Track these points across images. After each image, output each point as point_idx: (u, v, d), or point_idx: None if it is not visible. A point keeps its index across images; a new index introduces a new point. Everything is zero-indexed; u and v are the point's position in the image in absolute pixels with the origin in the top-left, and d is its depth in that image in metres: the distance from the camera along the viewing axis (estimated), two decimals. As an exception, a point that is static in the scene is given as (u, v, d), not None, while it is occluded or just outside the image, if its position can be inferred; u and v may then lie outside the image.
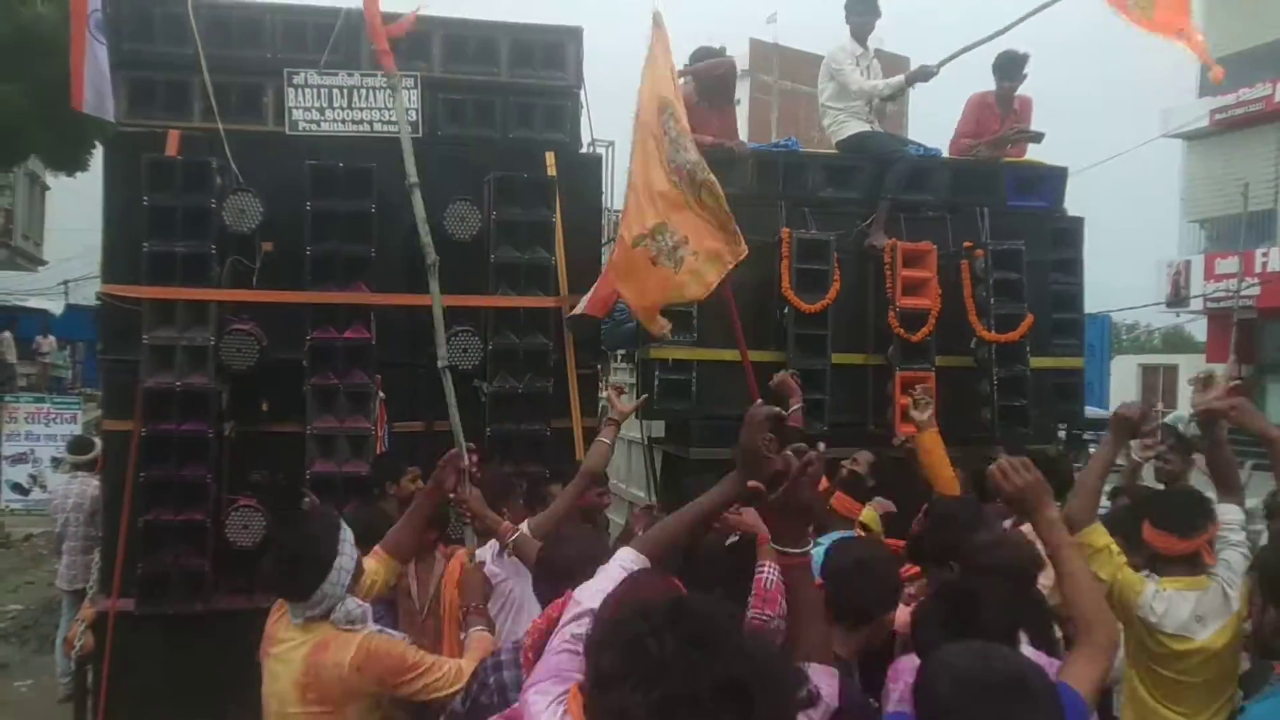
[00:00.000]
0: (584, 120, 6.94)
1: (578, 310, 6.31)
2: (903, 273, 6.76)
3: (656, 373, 6.62)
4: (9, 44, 13.31)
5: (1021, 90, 7.55)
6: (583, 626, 2.13)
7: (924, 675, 2.08)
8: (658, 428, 7.79)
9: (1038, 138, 7.41)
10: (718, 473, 5.18)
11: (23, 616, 9.80)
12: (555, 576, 3.00)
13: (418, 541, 4.07)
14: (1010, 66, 7.42)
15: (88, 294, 25.13)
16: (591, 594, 2.24)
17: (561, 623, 2.22)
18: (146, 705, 5.79)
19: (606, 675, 1.58)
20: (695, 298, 5.52)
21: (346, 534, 3.32)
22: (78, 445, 8.61)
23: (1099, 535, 3.65)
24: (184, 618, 5.83)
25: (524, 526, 4.19)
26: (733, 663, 1.53)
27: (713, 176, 5.17)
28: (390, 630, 3.45)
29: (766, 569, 3.12)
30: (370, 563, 3.67)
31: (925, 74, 7.06)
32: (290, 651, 3.22)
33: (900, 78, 7.25)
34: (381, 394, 6.16)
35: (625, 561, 2.35)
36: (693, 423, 6.74)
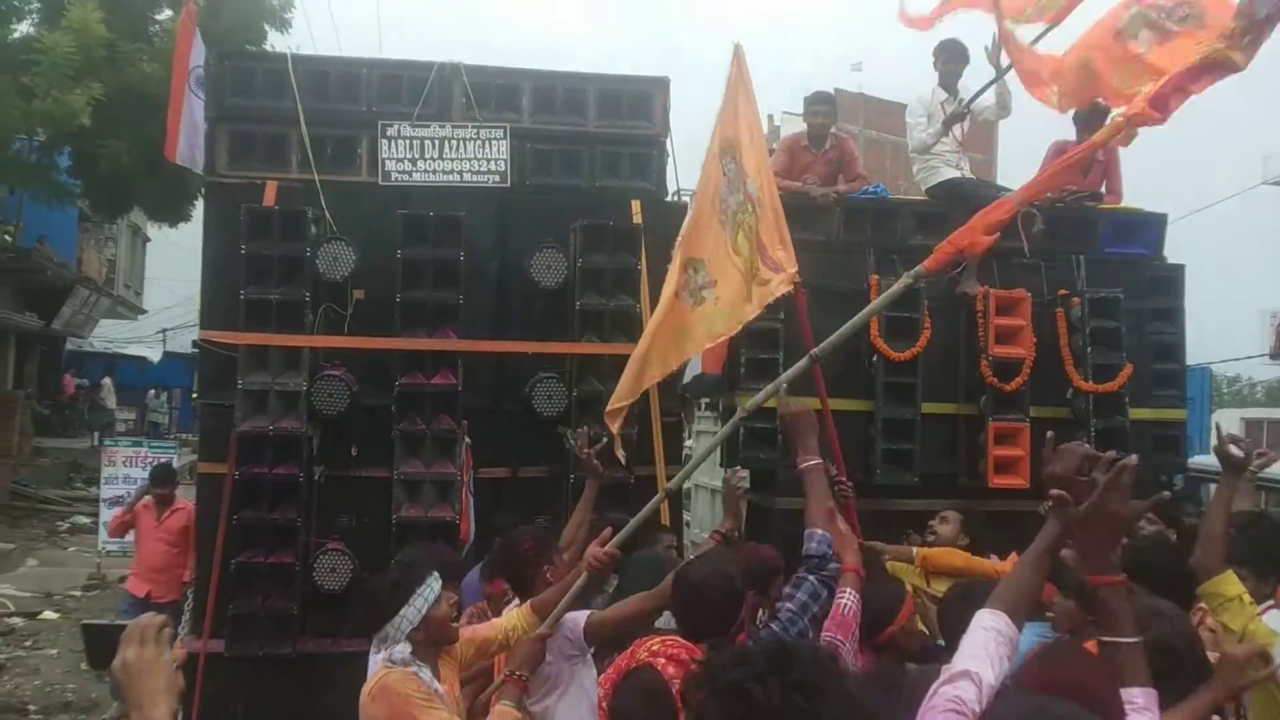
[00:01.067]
0: (669, 169, 6.99)
1: (695, 372, 6.30)
2: (996, 321, 6.62)
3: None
4: (117, 102, 13.89)
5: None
6: (959, 689, 2.06)
7: None
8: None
9: (1096, 198, 7.23)
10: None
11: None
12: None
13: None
14: (1092, 118, 7.29)
15: (184, 342, 26.01)
16: (968, 657, 2.15)
17: (935, 688, 2.11)
18: (234, 747, 5.84)
19: None
20: (689, 352, 5.14)
21: (425, 589, 3.43)
22: (161, 475, 8.79)
23: (1230, 585, 3.44)
24: (271, 659, 5.88)
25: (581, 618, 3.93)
26: (842, 710, 1.47)
27: (754, 222, 4.85)
28: (422, 674, 3.41)
29: (846, 595, 3.19)
30: (514, 617, 3.85)
31: (957, 114, 6.98)
32: None
33: (940, 124, 7.12)
34: (468, 439, 6.20)
35: (986, 621, 2.25)
36: (779, 472, 6.64)
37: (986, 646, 2.17)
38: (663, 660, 2.63)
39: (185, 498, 8.26)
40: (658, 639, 2.94)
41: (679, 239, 4.87)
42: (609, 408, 4.96)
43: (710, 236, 4.80)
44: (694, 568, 3.56)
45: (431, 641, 3.49)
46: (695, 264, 4.85)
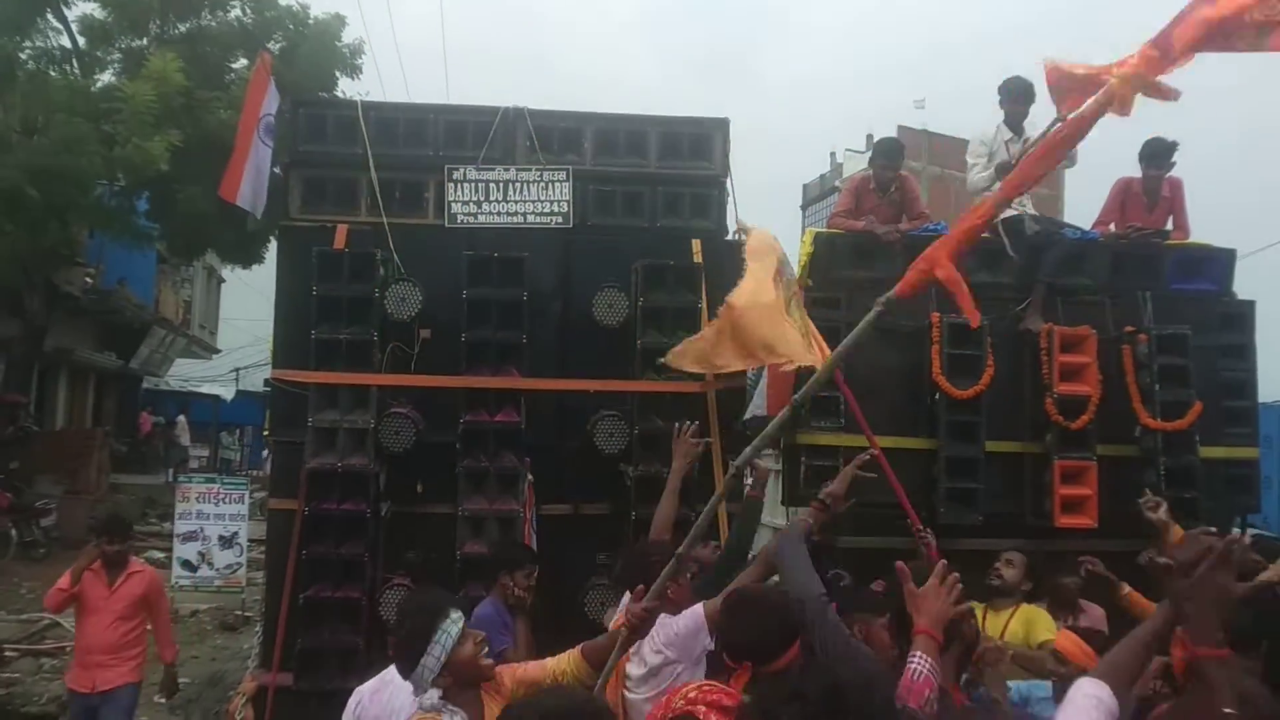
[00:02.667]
0: (729, 208, 7.05)
1: (759, 411, 6.30)
2: (1060, 358, 6.55)
3: (802, 458, 6.54)
4: (194, 148, 14.32)
5: (1177, 173, 7.32)
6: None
7: None
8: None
9: (1162, 235, 7.14)
10: (865, 562, 5.04)
11: (187, 690, 10.16)
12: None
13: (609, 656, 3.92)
14: (1158, 156, 7.23)
15: (256, 381, 26.52)
16: (1073, 716, 2.32)
17: None
18: (302, 779, 5.91)
19: None
20: (794, 357, 5.17)
21: (442, 635, 3.35)
22: (111, 525, 6.87)
23: None
24: (339, 693, 5.95)
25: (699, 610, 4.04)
26: None
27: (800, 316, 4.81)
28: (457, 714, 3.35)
29: (917, 659, 2.98)
30: (564, 661, 3.75)
31: (1006, 166, 6.98)
32: None
33: (992, 170, 7.09)
34: (530, 476, 6.27)
35: (1088, 689, 2.39)
36: (841, 511, 6.59)
37: (1088, 713, 2.31)
38: (703, 708, 2.61)
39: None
40: (694, 685, 2.93)
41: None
42: (678, 350, 4.85)
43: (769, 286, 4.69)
44: (753, 586, 3.57)
45: (462, 684, 3.40)
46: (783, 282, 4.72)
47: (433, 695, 3.34)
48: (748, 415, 7.06)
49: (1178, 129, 7.14)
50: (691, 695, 2.69)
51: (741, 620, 3.28)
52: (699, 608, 4.02)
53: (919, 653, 2.99)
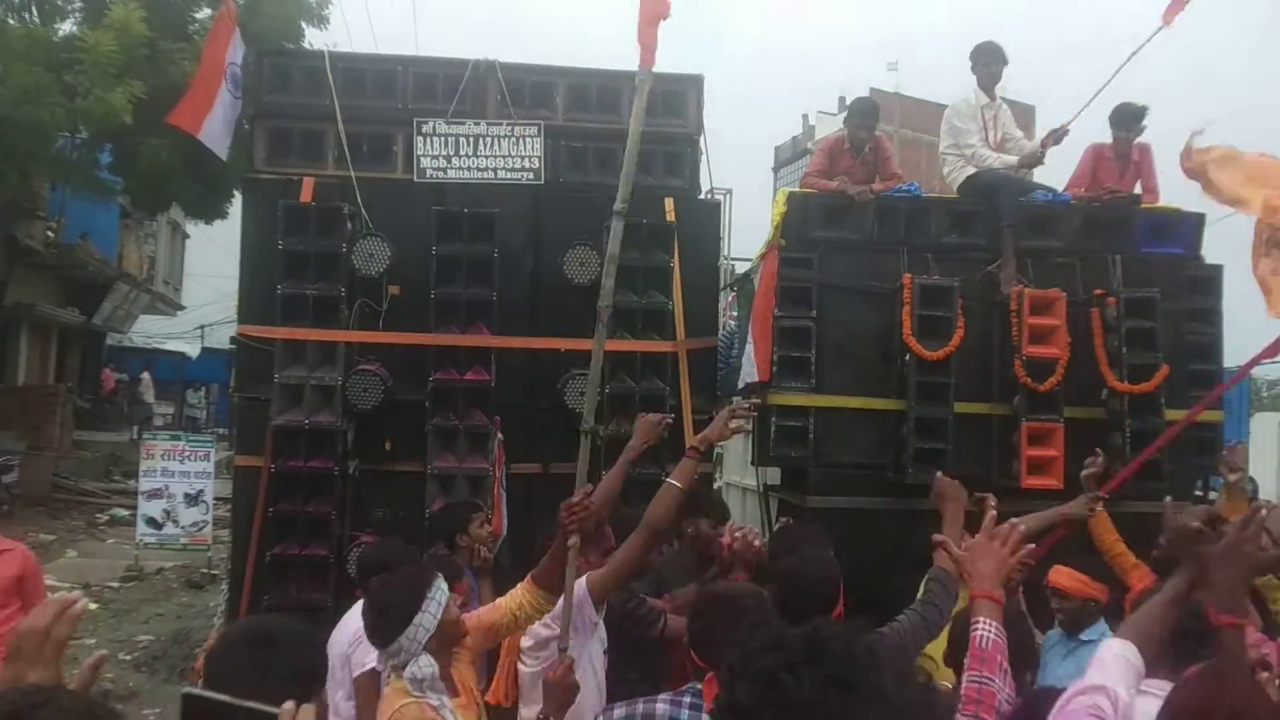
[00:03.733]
0: (703, 167, 6.99)
1: (750, 379, 6.34)
2: (1030, 320, 6.56)
3: (773, 418, 6.54)
4: (157, 100, 13.99)
5: (1147, 138, 7.34)
6: (1096, 699, 2.27)
7: None
8: (774, 475, 7.70)
9: (1134, 200, 7.16)
10: (833, 522, 5.06)
11: (153, 647, 10.13)
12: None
13: (561, 574, 3.86)
14: (1127, 118, 7.24)
15: (222, 338, 26.32)
16: (1102, 674, 2.35)
17: (1068, 697, 2.33)
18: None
19: (742, 707, 1.54)
20: None
21: (436, 592, 3.26)
22: None
23: None
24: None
25: (581, 581, 3.91)
26: (874, 708, 1.47)
27: None
28: (444, 712, 3.20)
29: (982, 624, 2.70)
30: (518, 595, 3.74)
31: (1036, 159, 6.98)
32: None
33: (1014, 158, 7.14)
34: (500, 435, 6.24)
35: (1116, 649, 2.44)
36: (810, 470, 6.63)
37: (1120, 669, 2.35)
38: None
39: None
40: None
41: None
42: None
43: None
44: (726, 586, 3.53)
45: (444, 645, 3.30)
46: None
47: (427, 664, 3.15)
48: (740, 384, 7.05)
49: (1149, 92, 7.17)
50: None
51: (715, 622, 3.12)
52: (582, 580, 3.90)
53: (981, 617, 2.71)
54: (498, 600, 3.85)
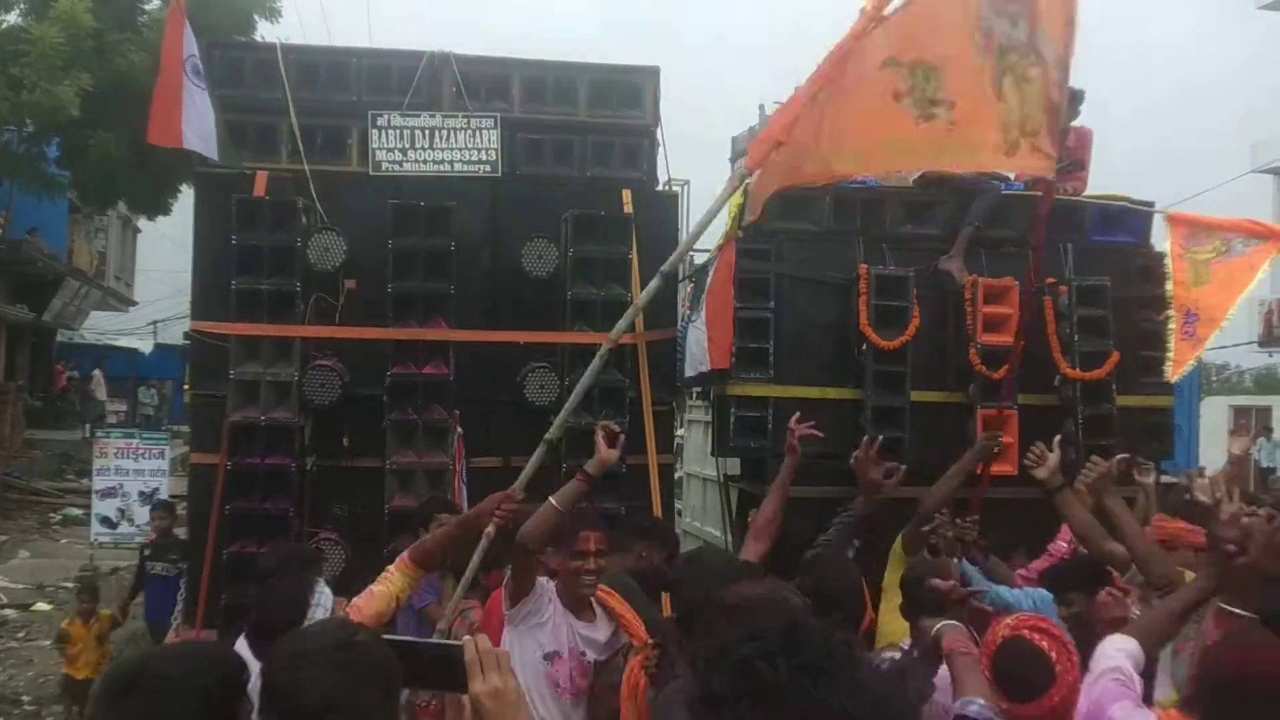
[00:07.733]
0: (660, 159, 7.00)
1: (703, 369, 6.32)
2: (984, 309, 6.63)
3: (732, 409, 6.57)
4: (106, 93, 13.80)
5: (1084, 123, 7.43)
6: (1112, 672, 2.76)
7: None
8: (734, 465, 7.73)
9: (1077, 165, 7.24)
10: (794, 511, 5.09)
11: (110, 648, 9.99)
12: None
13: (442, 556, 3.88)
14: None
15: (175, 334, 25.92)
16: (1114, 652, 2.82)
17: (1097, 670, 2.77)
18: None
19: (716, 695, 1.55)
20: (902, 165, 4.80)
21: (320, 597, 3.24)
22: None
23: None
24: (265, 650, 5.90)
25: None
26: (849, 697, 1.48)
27: (1041, 83, 4.16)
28: None
29: (971, 706, 2.75)
30: (394, 578, 3.64)
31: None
32: None
33: None
34: (460, 429, 6.22)
35: (1118, 642, 2.89)
36: (769, 460, 6.65)
37: (1116, 659, 2.78)
38: (1026, 631, 2.82)
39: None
40: (1014, 616, 3.06)
41: (888, 31, 4.12)
42: (754, 189, 4.55)
43: (954, 50, 4.12)
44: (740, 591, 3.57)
45: None
46: (926, 71, 4.10)
47: None
48: (690, 373, 7.05)
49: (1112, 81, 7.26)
50: (1012, 623, 2.90)
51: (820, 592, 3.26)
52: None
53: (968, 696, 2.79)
54: (371, 588, 3.68)
